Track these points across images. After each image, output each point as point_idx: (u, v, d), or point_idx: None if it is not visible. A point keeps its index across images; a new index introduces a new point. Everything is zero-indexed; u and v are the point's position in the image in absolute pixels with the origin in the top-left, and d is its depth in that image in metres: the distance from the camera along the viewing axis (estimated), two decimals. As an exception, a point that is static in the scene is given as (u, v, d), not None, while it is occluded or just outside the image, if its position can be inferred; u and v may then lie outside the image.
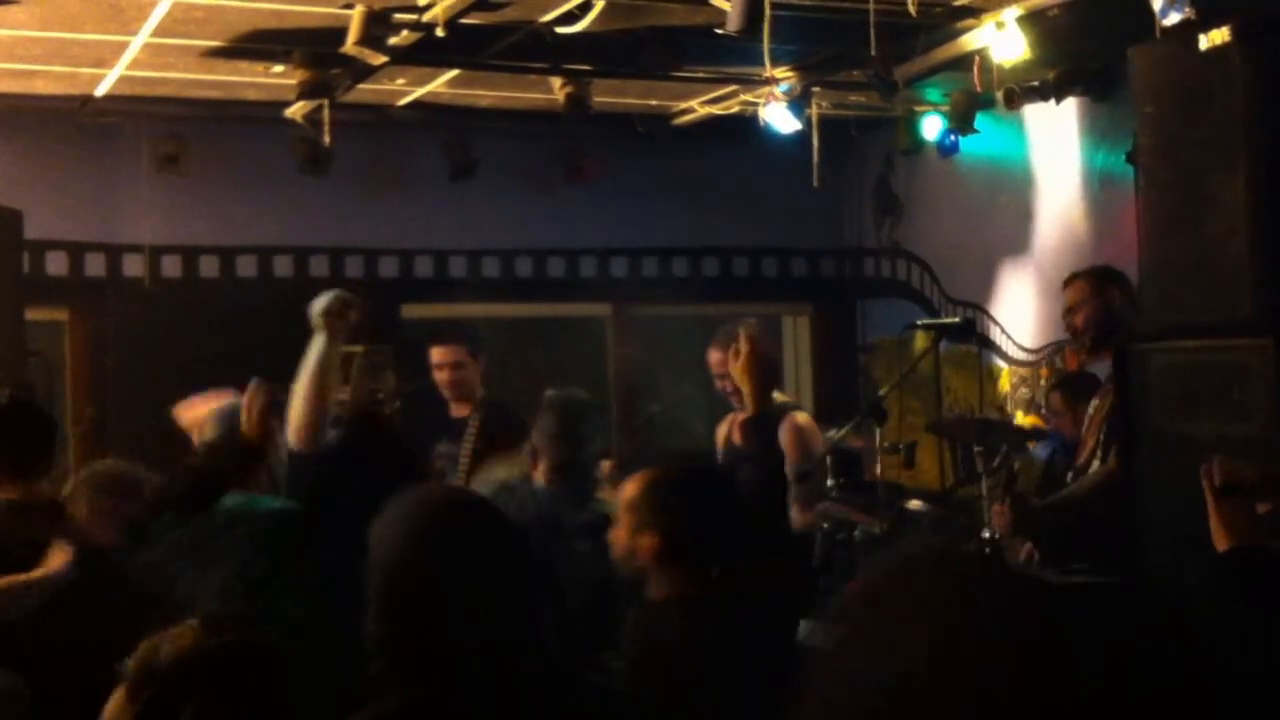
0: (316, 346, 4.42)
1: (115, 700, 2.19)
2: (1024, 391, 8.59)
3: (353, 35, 6.37)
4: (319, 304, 4.44)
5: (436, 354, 6.48)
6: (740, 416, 6.21)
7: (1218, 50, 4.09)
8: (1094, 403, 5.35)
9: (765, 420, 4.38)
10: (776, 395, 6.22)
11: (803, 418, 6.16)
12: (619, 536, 3.49)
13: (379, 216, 9.21)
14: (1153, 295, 4.34)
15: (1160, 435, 4.12)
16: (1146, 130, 4.35)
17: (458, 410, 6.36)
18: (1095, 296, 5.29)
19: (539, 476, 4.92)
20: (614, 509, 4.68)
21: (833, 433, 6.09)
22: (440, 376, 6.44)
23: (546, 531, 4.59)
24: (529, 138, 9.19)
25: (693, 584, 3.38)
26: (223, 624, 2.40)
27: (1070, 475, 5.36)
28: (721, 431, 6.40)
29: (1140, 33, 5.18)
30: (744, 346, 4.23)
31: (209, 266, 8.97)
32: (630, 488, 3.51)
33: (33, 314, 7.48)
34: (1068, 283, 5.48)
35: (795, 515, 5.94)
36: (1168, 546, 3.91)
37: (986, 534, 5.03)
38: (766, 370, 5.91)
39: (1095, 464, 5.11)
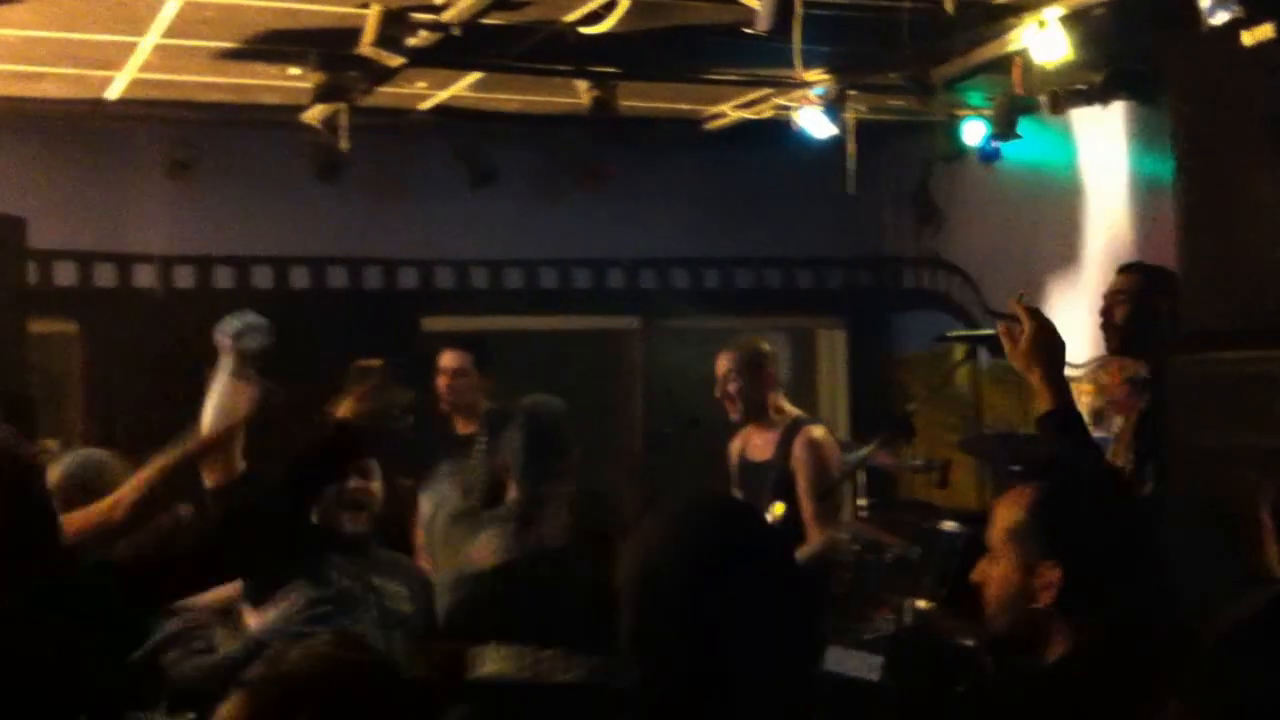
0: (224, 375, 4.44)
1: (233, 701, 2.24)
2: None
3: (368, 36, 6.43)
4: (231, 329, 4.48)
5: (441, 359, 6.52)
6: (755, 429, 6.25)
7: (1260, 48, 4.09)
8: (1117, 420, 5.25)
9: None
10: (788, 408, 6.26)
11: (819, 431, 6.14)
12: (998, 575, 2.89)
13: (398, 225, 9.25)
14: (1188, 303, 4.33)
15: (1195, 449, 4.12)
16: (1183, 130, 4.35)
17: (462, 426, 6.35)
18: (1143, 295, 5.07)
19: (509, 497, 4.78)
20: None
21: (861, 451, 6.07)
22: (439, 383, 6.46)
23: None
24: (554, 144, 9.21)
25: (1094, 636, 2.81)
26: (358, 643, 2.46)
27: None
28: (735, 445, 6.39)
29: (1191, 32, 5.17)
30: None
31: (223, 277, 9.03)
32: (1010, 510, 2.92)
33: (39, 327, 7.53)
34: (1122, 270, 5.34)
35: (814, 535, 5.96)
36: (1200, 566, 3.89)
37: None
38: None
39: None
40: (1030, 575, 2.80)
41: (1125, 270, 5.29)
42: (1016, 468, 6.21)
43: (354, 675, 2.29)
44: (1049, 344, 3.74)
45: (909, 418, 5.71)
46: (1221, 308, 4.13)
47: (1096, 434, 6.19)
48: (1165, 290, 5.19)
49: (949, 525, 6.14)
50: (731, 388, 6.15)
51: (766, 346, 6.25)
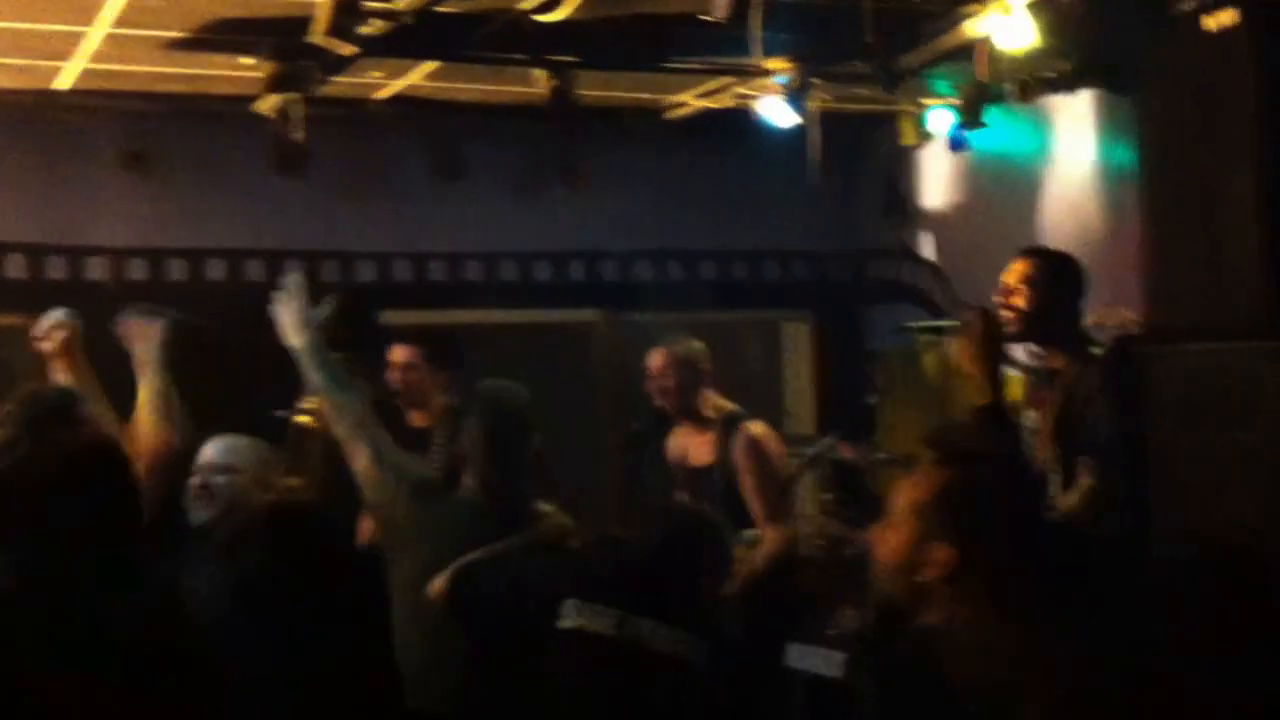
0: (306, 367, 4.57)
1: None
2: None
3: (320, 24, 6.37)
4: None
5: (391, 353, 6.50)
6: (691, 429, 6.22)
7: (1226, 36, 4.06)
8: (1030, 414, 5.20)
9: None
10: (723, 404, 6.24)
11: (757, 429, 6.11)
12: (893, 544, 2.98)
13: (356, 218, 9.19)
14: (1155, 297, 4.31)
15: (1165, 445, 4.09)
16: (1151, 123, 4.33)
17: (415, 419, 6.33)
18: (1047, 283, 5.03)
19: (466, 484, 4.74)
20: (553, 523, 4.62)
21: (818, 445, 6.05)
22: (390, 377, 6.45)
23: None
24: (514, 135, 9.16)
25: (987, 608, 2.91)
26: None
27: None
28: (675, 447, 6.36)
29: (1159, 19, 5.14)
30: None
31: (177, 270, 8.97)
32: (917, 487, 3.01)
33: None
34: (1023, 254, 5.22)
35: (768, 534, 5.92)
36: (1177, 560, 3.88)
37: None
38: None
39: (1054, 478, 4.96)
40: (923, 551, 2.90)
41: (1025, 255, 5.22)
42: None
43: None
44: (996, 343, 4.09)
45: (869, 411, 5.67)
46: (1189, 300, 4.10)
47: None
48: (1067, 278, 5.12)
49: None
50: (664, 385, 6.15)
51: (698, 345, 6.26)
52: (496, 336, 9.43)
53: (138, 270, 8.85)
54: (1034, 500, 3.50)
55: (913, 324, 6.55)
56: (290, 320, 4.64)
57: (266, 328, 4.78)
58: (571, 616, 3.05)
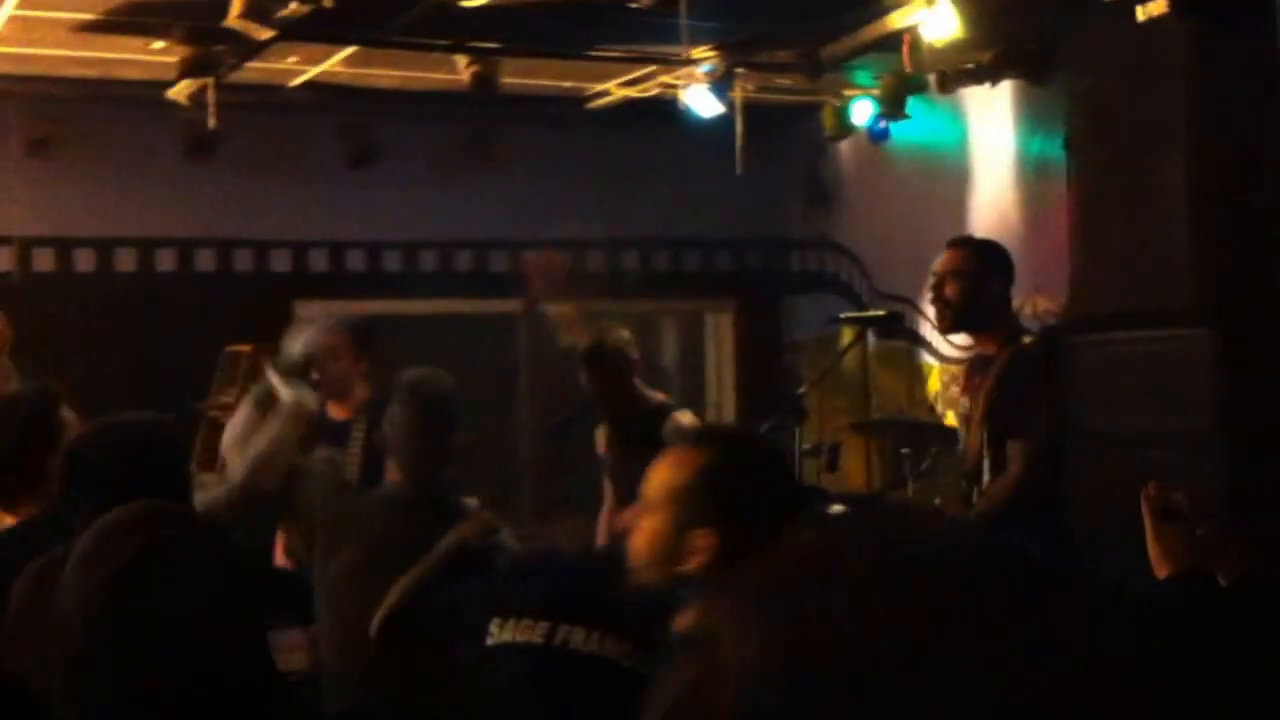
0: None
1: None
2: (955, 390, 8.58)
3: (236, 8, 6.26)
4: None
5: None
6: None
7: (1155, 24, 4.08)
8: (963, 401, 5.26)
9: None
10: (651, 395, 6.20)
11: (686, 419, 6.06)
12: (650, 534, 2.84)
13: (271, 206, 9.08)
14: (1083, 284, 4.33)
15: (1093, 432, 4.11)
16: (1080, 110, 4.34)
17: (335, 411, 6.20)
18: (975, 273, 5.05)
19: (389, 475, 4.62)
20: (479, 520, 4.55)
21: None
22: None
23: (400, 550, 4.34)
24: (433, 122, 9.09)
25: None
26: None
27: (964, 482, 5.23)
28: (602, 435, 6.32)
29: (1088, 6, 5.17)
30: None
31: (85, 260, 8.82)
32: (674, 470, 2.86)
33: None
34: (950, 245, 5.28)
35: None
36: (1105, 548, 3.88)
37: None
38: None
39: (985, 464, 5.01)
40: (683, 538, 2.75)
41: (955, 246, 5.27)
42: (906, 450, 6.20)
43: None
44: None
45: (800, 400, 5.64)
46: (1118, 287, 4.12)
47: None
48: (997, 268, 5.18)
49: (837, 509, 6.11)
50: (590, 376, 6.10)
51: (626, 334, 6.20)
52: (416, 327, 9.36)
53: (44, 261, 8.69)
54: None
55: (843, 315, 6.55)
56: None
57: (178, 318, 4.69)
58: (496, 635, 2.97)
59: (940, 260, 5.16)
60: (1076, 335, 4.23)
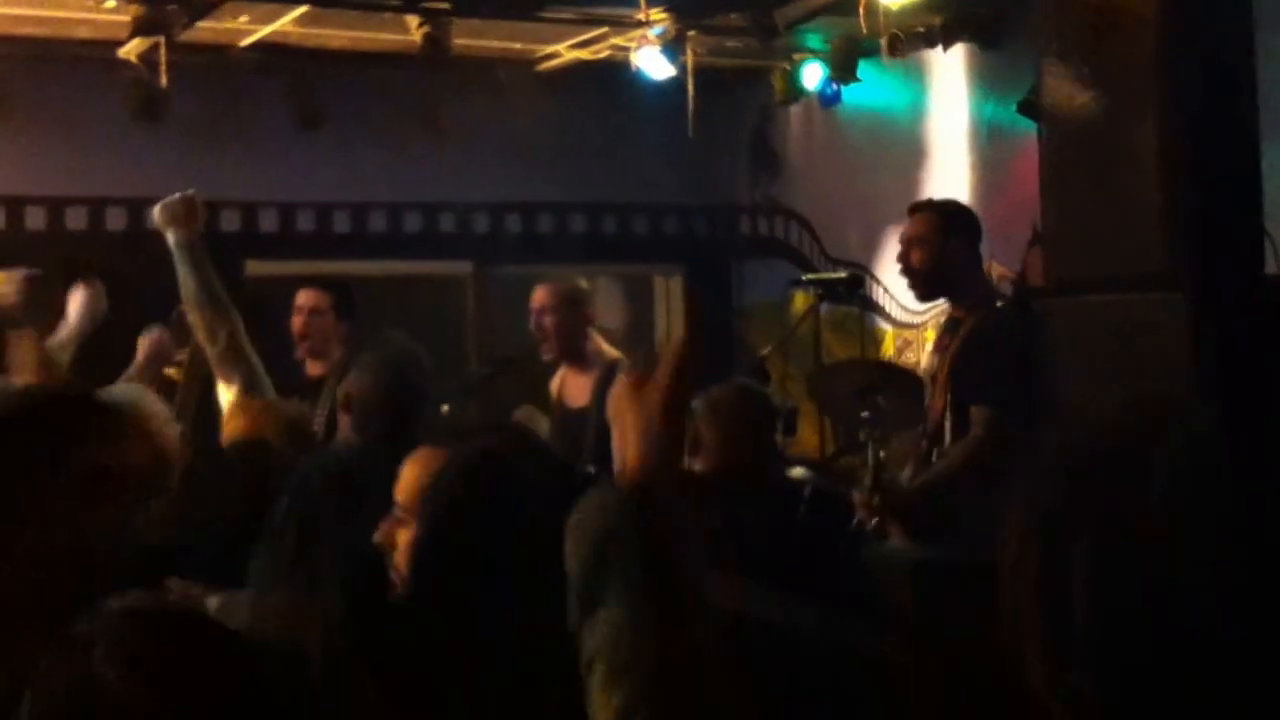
0: (183, 265, 4.25)
1: None
2: (909, 356, 8.59)
3: (190, -35, 6.16)
4: (160, 212, 4.29)
5: (299, 297, 6.34)
6: (572, 372, 6.11)
7: (1124, -12, 4.04)
8: (933, 358, 5.21)
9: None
10: (608, 350, 6.15)
11: None
12: (408, 542, 2.57)
13: (220, 166, 8.91)
14: (1055, 249, 4.29)
15: (1063, 395, 4.09)
16: (1049, 71, 4.29)
17: (313, 369, 6.18)
18: (938, 237, 5.06)
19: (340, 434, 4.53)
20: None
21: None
22: (295, 321, 6.28)
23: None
24: (382, 83, 8.97)
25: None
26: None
27: (924, 442, 5.21)
28: (554, 386, 6.26)
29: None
30: None
31: (35, 218, 8.69)
32: (421, 469, 2.64)
33: None
34: (912, 211, 5.26)
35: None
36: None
37: (855, 521, 4.91)
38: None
39: (947, 426, 4.99)
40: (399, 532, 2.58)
41: (916, 211, 5.25)
42: (866, 414, 6.17)
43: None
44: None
45: (763, 364, 5.61)
46: (1089, 253, 4.09)
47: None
48: (961, 229, 5.15)
49: (797, 472, 6.08)
50: (547, 322, 6.02)
51: (585, 284, 6.14)
52: (365, 288, 9.25)
53: (-6, 218, 8.54)
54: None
55: (805, 277, 6.49)
56: (172, 214, 4.39)
57: (129, 277, 4.58)
58: None
59: (905, 227, 5.13)
60: (1048, 299, 4.20)
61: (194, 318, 4.34)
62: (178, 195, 4.39)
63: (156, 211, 4.39)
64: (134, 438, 2.55)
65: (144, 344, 5.39)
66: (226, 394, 4.31)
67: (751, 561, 3.25)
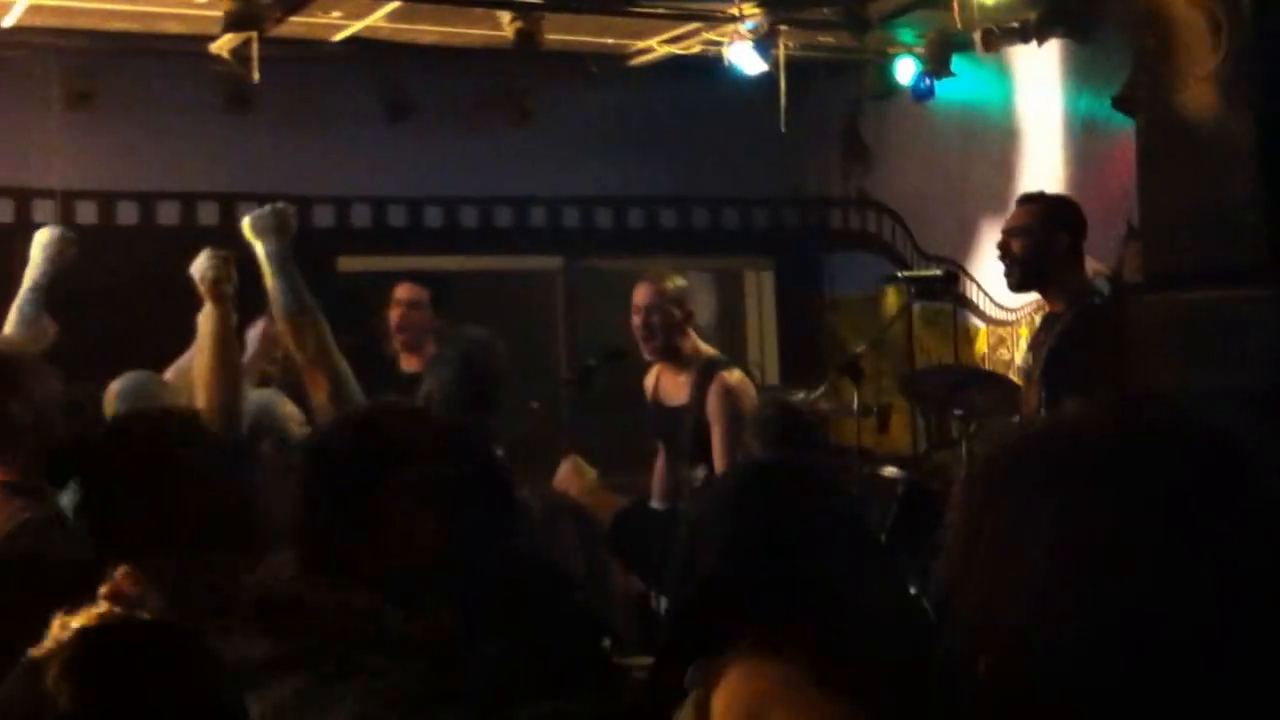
0: (208, 318, 4.29)
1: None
2: (1003, 353, 8.51)
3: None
4: (199, 269, 4.31)
5: (397, 290, 6.40)
6: (668, 369, 6.11)
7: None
8: (1028, 355, 5.21)
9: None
10: (704, 348, 6.13)
11: (735, 377, 5.96)
12: None
13: (312, 161, 9.01)
14: (1151, 243, 4.24)
15: (1159, 390, 4.03)
16: (1144, 65, 4.24)
17: (408, 363, 6.23)
18: (1043, 229, 5.04)
19: None
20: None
21: (808, 395, 5.92)
22: (392, 314, 6.35)
23: None
24: (473, 77, 9.00)
25: None
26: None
27: None
28: (649, 384, 6.25)
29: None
30: None
31: (127, 213, 8.77)
32: None
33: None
34: (1021, 202, 5.27)
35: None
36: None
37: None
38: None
39: None
40: None
41: (1024, 202, 5.24)
42: (959, 411, 6.13)
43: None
44: None
45: (856, 362, 5.58)
46: (1184, 247, 4.04)
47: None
48: (1065, 222, 5.12)
49: (889, 471, 6.05)
50: (650, 320, 6.00)
51: (684, 282, 6.12)
52: (456, 282, 9.32)
53: (87, 213, 8.63)
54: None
55: (898, 274, 6.41)
56: (260, 225, 4.44)
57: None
58: None
59: (1009, 216, 5.13)
60: (1144, 294, 4.15)
61: (283, 326, 4.38)
62: (268, 207, 4.43)
63: (246, 223, 4.44)
64: None
65: (254, 336, 5.40)
66: (316, 399, 4.35)
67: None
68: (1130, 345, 4.17)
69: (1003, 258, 5.07)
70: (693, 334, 6.05)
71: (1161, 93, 4.18)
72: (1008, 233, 5.08)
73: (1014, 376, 8.18)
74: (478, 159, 9.33)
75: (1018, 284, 5.15)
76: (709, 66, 8.23)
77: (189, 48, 7.95)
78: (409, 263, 8.83)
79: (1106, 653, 1.21)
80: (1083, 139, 8.06)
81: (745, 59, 7.76)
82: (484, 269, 9.63)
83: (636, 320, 5.98)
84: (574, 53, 8.71)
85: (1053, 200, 5.29)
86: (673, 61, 8.75)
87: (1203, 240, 3.96)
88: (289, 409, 5.01)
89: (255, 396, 4.91)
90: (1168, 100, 4.14)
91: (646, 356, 6.06)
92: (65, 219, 8.51)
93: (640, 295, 5.99)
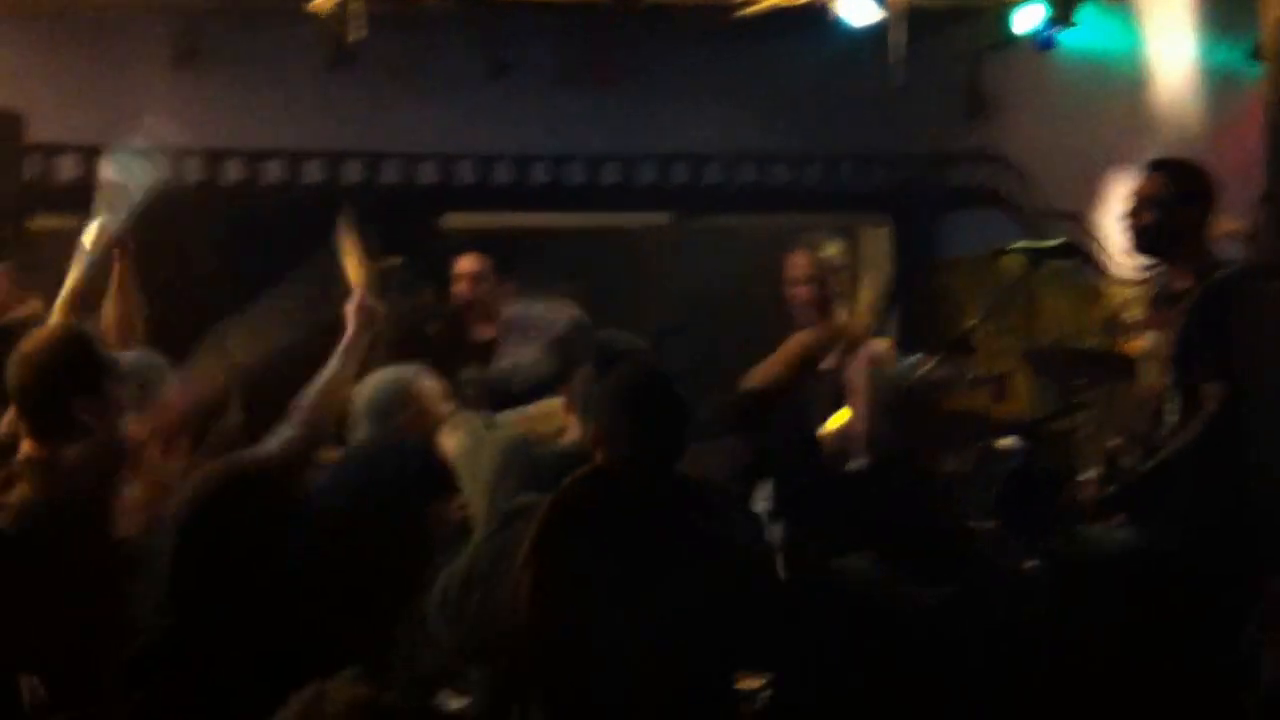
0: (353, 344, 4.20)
1: None
2: (1131, 314, 8.28)
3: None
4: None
5: (459, 264, 6.41)
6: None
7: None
8: (1149, 334, 5.05)
9: None
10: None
11: (882, 345, 5.84)
12: None
13: (416, 118, 9.02)
14: (1275, 215, 4.08)
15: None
16: (1274, 21, 4.08)
17: (482, 331, 6.24)
18: (1172, 199, 4.91)
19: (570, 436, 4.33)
20: None
21: (920, 365, 5.76)
22: (456, 289, 6.36)
23: None
24: (574, 34, 8.92)
25: None
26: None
27: (1143, 421, 5.01)
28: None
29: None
30: None
31: (232, 170, 8.85)
32: None
33: (41, 223, 7.37)
34: (1150, 167, 5.10)
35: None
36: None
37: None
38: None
39: (1169, 406, 4.80)
40: None
41: (1153, 169, 5.07)
42: (1081, 381, 6.00)
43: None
44: None
45: (968, 336, 5.46)
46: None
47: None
48: (1196, 194, 4.95)
49: (1006, 442, 5.91)
50: (806, 293, 5.88)
51: (839, 248, 6.00)
52: (561, 240, 9.28)
53: (192, 170, 8.68)
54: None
55: (1013, 246, 6.21)
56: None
57: (325, 230, 4.57)
58: None
59: (1136, 184, 4.96)
60: (1266, 277, 4.00)
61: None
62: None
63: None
64: None
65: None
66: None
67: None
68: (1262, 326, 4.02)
69: (1129, 226, 4.94)
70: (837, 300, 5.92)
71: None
72: (1136, 200, 4.93)
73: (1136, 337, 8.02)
74: (581, 116, 9.28)
75: (1141, 251, 5.02)
76: (820, 16, 8.09)
77: (292, 5, 7.96)
78: (515, 220, 8.84)
79: None
80: (1218, 91, 7.82)
81: (855, 9, 7.64)
82: (591, 226, 9.58)
83: (794, 292, 5.85)
84: (677, 5, 8.60)
85: (1183, 168, 5.10)
86: (782, 13, 8.60)
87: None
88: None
89: None
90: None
91: (800, 324, 5.91)
92: (171, 176, 8.59)
93: (797, 267, 5.87)
